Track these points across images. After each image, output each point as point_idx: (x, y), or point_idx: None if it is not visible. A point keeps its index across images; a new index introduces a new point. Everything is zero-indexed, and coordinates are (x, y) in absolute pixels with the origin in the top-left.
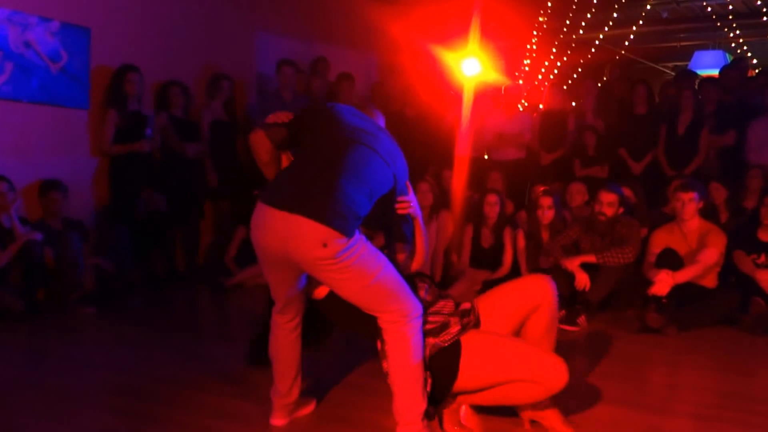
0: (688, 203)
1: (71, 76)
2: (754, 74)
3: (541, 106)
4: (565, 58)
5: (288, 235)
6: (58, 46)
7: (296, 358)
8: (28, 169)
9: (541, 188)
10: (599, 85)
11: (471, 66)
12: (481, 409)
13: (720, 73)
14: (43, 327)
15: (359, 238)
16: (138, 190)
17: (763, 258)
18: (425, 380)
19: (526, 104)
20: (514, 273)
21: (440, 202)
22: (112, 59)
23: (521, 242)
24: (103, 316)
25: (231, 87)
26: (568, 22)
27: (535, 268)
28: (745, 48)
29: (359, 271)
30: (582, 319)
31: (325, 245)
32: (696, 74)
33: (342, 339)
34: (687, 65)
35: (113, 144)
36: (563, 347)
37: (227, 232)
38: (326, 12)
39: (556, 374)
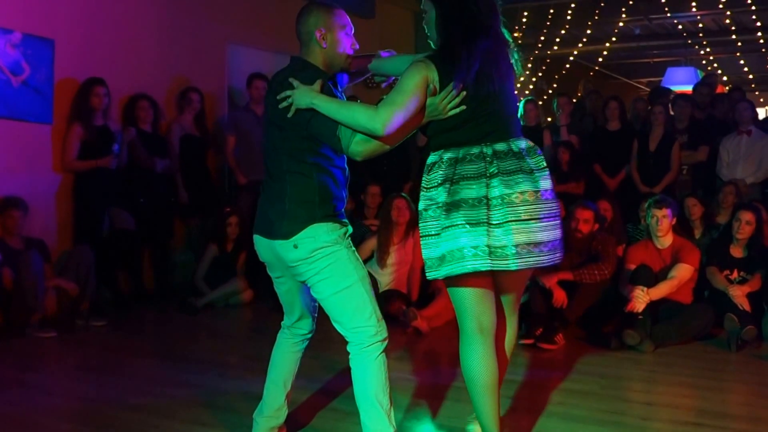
0: (662, 219)
1: (34, 89)
2: (724, 90)
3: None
4: (539, 74)
5: (270, 252)
6: (20, 59)
7: (292, 375)
8: None
9: None
10: (573, 101)
11: None
12: None
13: (693, 89)
14: None
15: (340, 240)
16: (104, 208)
17: (735, 273)
18: (389, 404)
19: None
20: None
21: (417, 218)
22: (77, 72)
23: None
24: (65, 341)
25: (201, 100)
26: (542, 38)
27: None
28: (715, 65)
29: (335, 273)
30: (559, 337)
31: (295, 246)
32: (670, 91)
33: (317, 363)
34: (660, 81)
35: (78, 159)
36: (541, 365)
37: (197, 251)
38: None
39: None
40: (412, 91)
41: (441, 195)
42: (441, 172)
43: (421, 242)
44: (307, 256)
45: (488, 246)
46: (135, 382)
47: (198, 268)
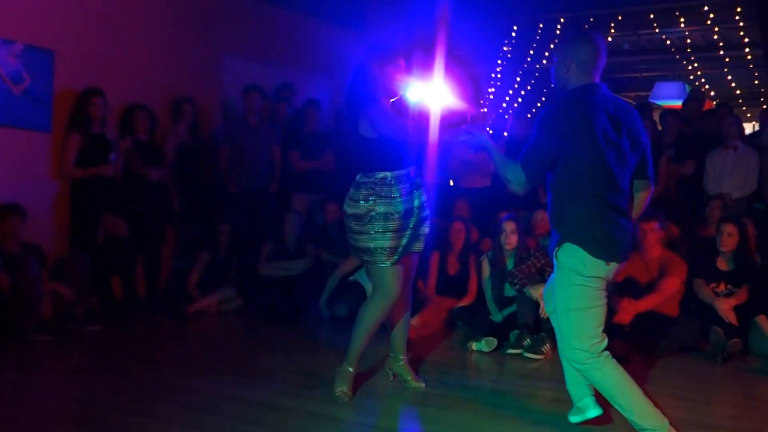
0: (650, 233)
1: (34, 98)
2: (711, 106)
3: (505, 134)
4: (529, 87)
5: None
6: (21, 69)
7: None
8: None
9: (504, 213)
10: None
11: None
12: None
13: (683, 104)
14: None
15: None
16: (99, 215)
17: (722, 286)
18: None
19: (491, 132)
20: (480, 300)
21: None
22: (75, 82)
23: (486, 270)
24: (60, 344)
25: (195, 110)
26: (532, 51)
27: (499, 296)
28: (703, 80)
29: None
30: (547, 348)
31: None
32: (657, 106)
33: (298, 371)
34: (648, 95)
35: (75, 167)
36: (528, 375)
37: (189, 258)
38: (292, 37)
39: None
40: None
41: None
42: None
43: None
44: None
45: None
46: (130, 386)
47: (190, 275)
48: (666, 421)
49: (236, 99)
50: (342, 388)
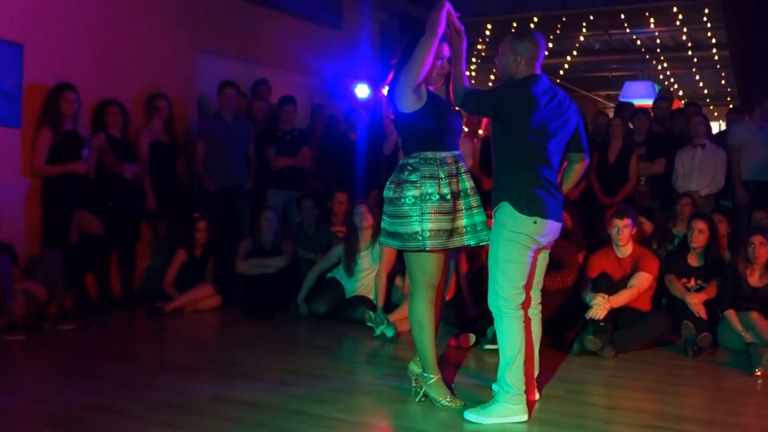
0: (623, 229)
1: (2, 93)
2: (680, 105)
3: (481, 132)
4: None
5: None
6: None
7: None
8: None
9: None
10: None
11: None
12: None
13: (653, 104)
14: None
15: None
16: (72, 212)
17: (692, 282)
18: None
19: (466, 130)
20: (458, 297)
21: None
22: (46, 77)
23: (464, 267)
24: (33, 344)
25: (169, 107)
26: None
27: (478, 293)
28: (672, 80)
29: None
30: None
31: None
32: (632, 105)
33: (283, 367)
34: (618, 94)
35: (47, 164)
36: None
37: (165, 256)
38: (267, 34)
39: None
40: None
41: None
42: None
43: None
44: None
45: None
46: (104, 385)
47: (166, 273)
48: (523, 390)
49: (211, 95)
50: (445, 398)
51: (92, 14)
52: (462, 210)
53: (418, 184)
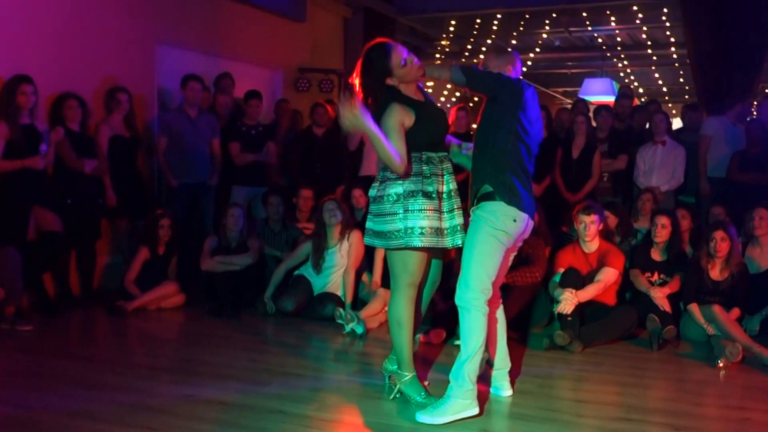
0: (590, 225)
1: None
2: (638, 102)
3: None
4: None
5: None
6: None
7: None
8: None
9: None
10: None
11: None
12: None
13: (615, 101)
14: None
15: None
16: (29, 209)
17: (656, 276)
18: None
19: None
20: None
21: (352, 221)
22: (1, 69)
23: None
24: None
25: (129, 100)
26: (470, 46)
27: (446, 289)
28: (632, 77)
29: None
30: None
31: None
32: (587, 103)
33: (259, 366)
34: (577, 91)
35: (3, 159)
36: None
37: (126, 253)
38: (230, 27)
39: None
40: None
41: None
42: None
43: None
44: None
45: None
46: (69, 388)
47: (128, 271)
48: (476, 384)
49: (173, 89)
50: (420, 395)
51: (49, 5)
52: (444, 212)
53: (401, 182)
